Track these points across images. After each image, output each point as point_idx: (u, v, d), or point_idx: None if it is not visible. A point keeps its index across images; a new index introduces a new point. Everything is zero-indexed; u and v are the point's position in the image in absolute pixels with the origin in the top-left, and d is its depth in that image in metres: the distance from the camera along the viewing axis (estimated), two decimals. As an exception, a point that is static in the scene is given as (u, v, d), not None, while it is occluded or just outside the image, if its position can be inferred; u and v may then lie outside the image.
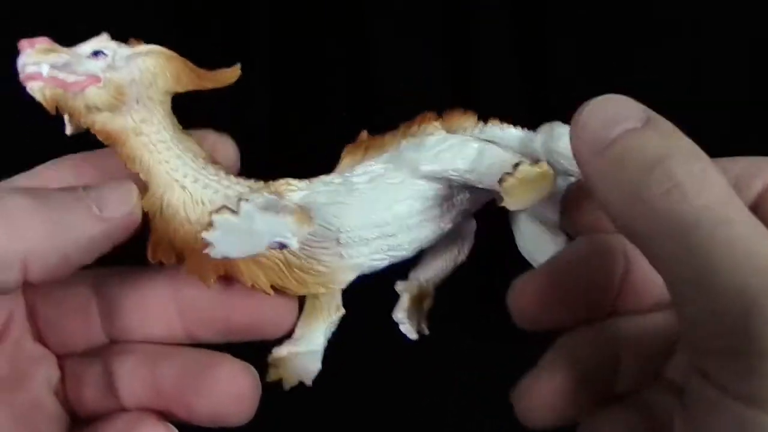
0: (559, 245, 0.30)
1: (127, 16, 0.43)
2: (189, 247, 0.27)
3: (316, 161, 0.34)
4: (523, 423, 0.28)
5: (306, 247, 0.28)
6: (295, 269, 0.28)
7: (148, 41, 0.28)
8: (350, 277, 0.29)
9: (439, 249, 0.31)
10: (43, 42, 0.26)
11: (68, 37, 0.27)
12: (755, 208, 0.23)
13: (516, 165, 0.26)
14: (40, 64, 0.26)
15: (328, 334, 0.30)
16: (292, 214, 0.26)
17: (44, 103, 0.26)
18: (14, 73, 0.26)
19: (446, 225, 0.30)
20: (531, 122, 0.43)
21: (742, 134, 0.43)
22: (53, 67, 0.26)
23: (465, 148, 0.28)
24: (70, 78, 0.26)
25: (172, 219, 0.27)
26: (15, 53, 0.26)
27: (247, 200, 0.25)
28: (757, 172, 0.24)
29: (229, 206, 0.26)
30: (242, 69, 0.30)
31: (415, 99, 0.43)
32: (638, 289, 0.28)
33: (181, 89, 0.28)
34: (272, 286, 0.28)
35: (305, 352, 0.29)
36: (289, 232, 0.26)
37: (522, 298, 0.28)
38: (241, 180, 0.28)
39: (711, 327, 0.20)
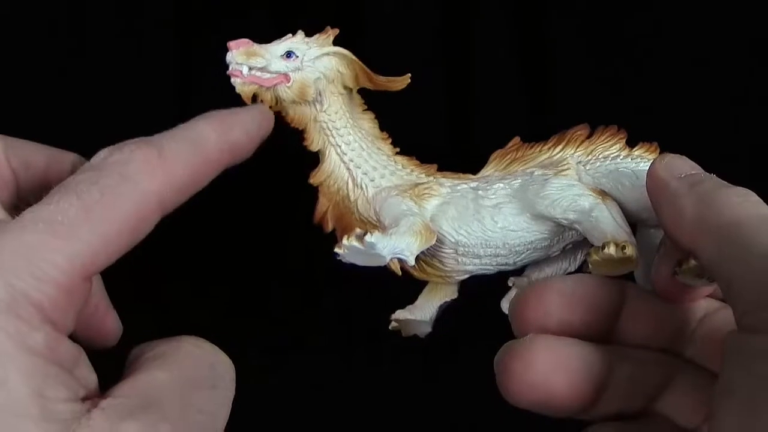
0: None
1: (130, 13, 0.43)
2: (345, 221, 0.33)
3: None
4: (508, 398, 0.28)
5: (433, 249, 0.32)
6: (422, 261, 0.33)
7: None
8: (463, 276, 0.34)
9: (556, 256, 0.34)
10: (244, 44, 0.32)
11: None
12: None
13: (605, 245, 0.29)
14: (242, 65, 0.31)
15: (442, 308, 0.35)
16: (415, 236, 0.30)
17: (242, 95, 0.32)
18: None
19: (554, 253, 0.33)
20: (531, 123, 0.44)
21: (744, 140, 0.43)
22: (252, 68, 0.31)
23: (580, 201, 0.31)
24: (265, 76, 0.32)
25: (335, 194, 0.33)
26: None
27: (372, 233, 0.29)
28: None
29: (359, 234, 0.29)
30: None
31: (415, 101, 0.43)
32: (632, 323, 0.29)
33: (357, 86, 0.33)
34: (401, 268, 0.32)
35: (420, 320, 0.34)
36: (409, 251, 0.30)
37: (524, 308, 0.29)
38: (403, 167, 0.34)
39: (761, 287, 0.23)
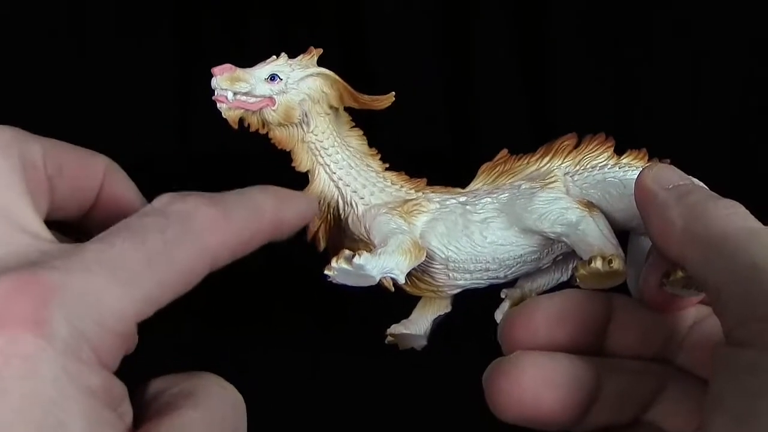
0: None
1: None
2: (337, 239, 0.34)
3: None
4: (497, 414, 0.28)
5: (423, 266, 0.32)
6: (412, 276, 0.33)
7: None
8: (455, 291, 0.34)
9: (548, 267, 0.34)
10: (228, 70, 0.31)
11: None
12: None
13: (591, 259, 0.29)
14: (226, 91, 0.31)
15: (437, 321, 0.35)
16: (404, 255, 0.30)
17: (228, 119, 0.32)
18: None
19: (545, 265, 0.33)
20: (531, 123, 0.44)
21: (743, 140, 0.43)
22: (237, 93, 0.31)
23: (567, 215, 0.31)
24: (250, 100, 0.32)
25: (326, 212, 0.33)
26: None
27: (360, 254, 0.29)
28: None
29: (348, 256, 0.30)
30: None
31: (415, 102, 0.43)
32: (621, 334, 0.29)
33: (342, 105, 0.33)
34: (393, 284, 0.33)
35: (415, 334, 0.35)
36: (398, 270, 0.30)
37: (512, 329, 0.29)
38: (392, 182, 0.34)
39: (748, 299, 0.23)
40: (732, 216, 0.25)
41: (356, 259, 0.29)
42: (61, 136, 0.33)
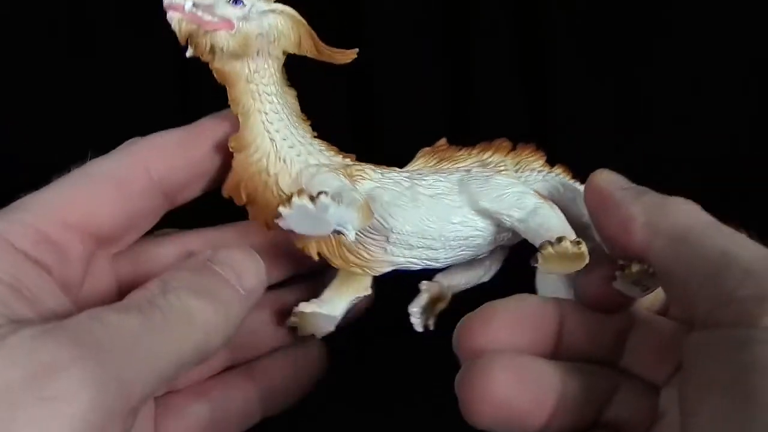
0: (570, 295, 0.32)
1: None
2: (259, 195, 0.30)
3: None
4: (470, 419, 0.27)
5: (359, 234, 0.30)
6: (344, 247, 0.31)
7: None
8: (387, 268, 0.32)
9: (469, 264, 0.33)
10: None
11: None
12: None
13: (560, 239, 0.28)
14: (186, 0, 0.28)
15: (351, 306, 0.32)
16: (359, 211, 0.28)
17: (178, 33, 0.29)
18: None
19: (484, 254, 0.32)
20: (531, 123, 0.44)
21: (743, 151, 0.43)
22: (195, 5, 0.28)
23: (524, 200, 0.30)
24: (206, 17, 0.28)
25: (253, 165, 0.30)
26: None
27: (326, 193, 0.27)
28: None
29: (309, 191, 0.28)
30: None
31: (415, 104, 0.43)
32: (572, 338, 0.30)
33: (298, 52, 0.30)
34: (318, 253, 0.31)
35: (326, 315, 0.32)
36: (351, 225, 0.28)
37: (470, 335, 0.29)
38: (326, 149, 0.31)
39: (725, 283, 0.24)
40: (692, 210, 0.27)
41: (323, 198, 0.27)
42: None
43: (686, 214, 0.27)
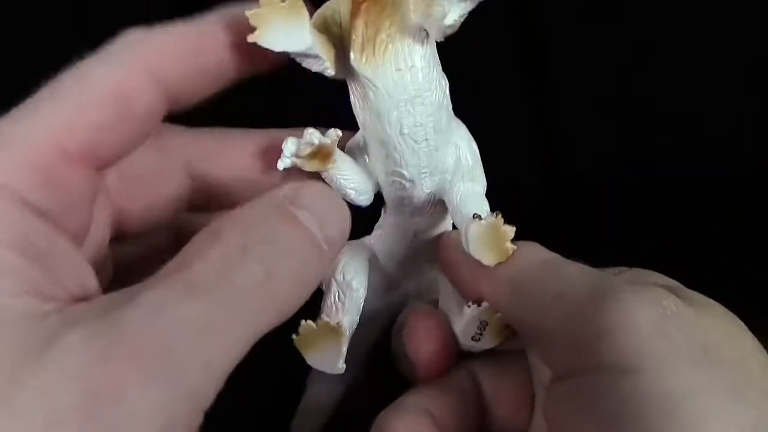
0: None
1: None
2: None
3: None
4: None
5: None
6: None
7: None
8: None
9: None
10: None
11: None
12: None
13: (497, 213, 0.26)
14: None
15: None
16: None
17: None
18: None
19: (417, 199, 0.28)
20: (531, 123, 0.44)
21: (743, 152, 0.43)
22: None
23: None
24: None
25: None
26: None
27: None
28: None
29: None
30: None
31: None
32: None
33: None
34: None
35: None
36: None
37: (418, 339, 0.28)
38: None
39: (549, 337, 0.23)
40: (528, 253, 0.25)
41: None
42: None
43: (520, 257, 0.25)
